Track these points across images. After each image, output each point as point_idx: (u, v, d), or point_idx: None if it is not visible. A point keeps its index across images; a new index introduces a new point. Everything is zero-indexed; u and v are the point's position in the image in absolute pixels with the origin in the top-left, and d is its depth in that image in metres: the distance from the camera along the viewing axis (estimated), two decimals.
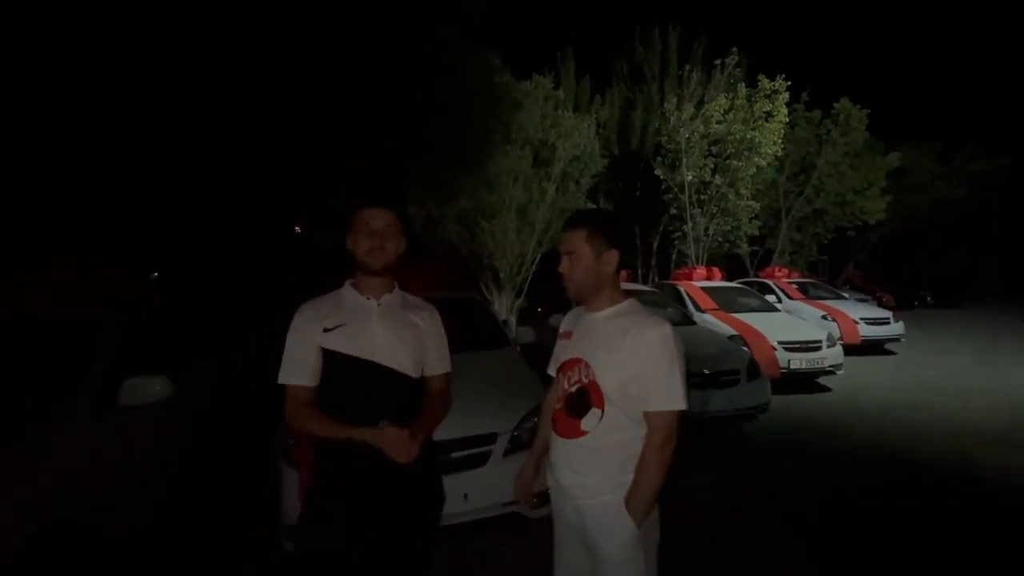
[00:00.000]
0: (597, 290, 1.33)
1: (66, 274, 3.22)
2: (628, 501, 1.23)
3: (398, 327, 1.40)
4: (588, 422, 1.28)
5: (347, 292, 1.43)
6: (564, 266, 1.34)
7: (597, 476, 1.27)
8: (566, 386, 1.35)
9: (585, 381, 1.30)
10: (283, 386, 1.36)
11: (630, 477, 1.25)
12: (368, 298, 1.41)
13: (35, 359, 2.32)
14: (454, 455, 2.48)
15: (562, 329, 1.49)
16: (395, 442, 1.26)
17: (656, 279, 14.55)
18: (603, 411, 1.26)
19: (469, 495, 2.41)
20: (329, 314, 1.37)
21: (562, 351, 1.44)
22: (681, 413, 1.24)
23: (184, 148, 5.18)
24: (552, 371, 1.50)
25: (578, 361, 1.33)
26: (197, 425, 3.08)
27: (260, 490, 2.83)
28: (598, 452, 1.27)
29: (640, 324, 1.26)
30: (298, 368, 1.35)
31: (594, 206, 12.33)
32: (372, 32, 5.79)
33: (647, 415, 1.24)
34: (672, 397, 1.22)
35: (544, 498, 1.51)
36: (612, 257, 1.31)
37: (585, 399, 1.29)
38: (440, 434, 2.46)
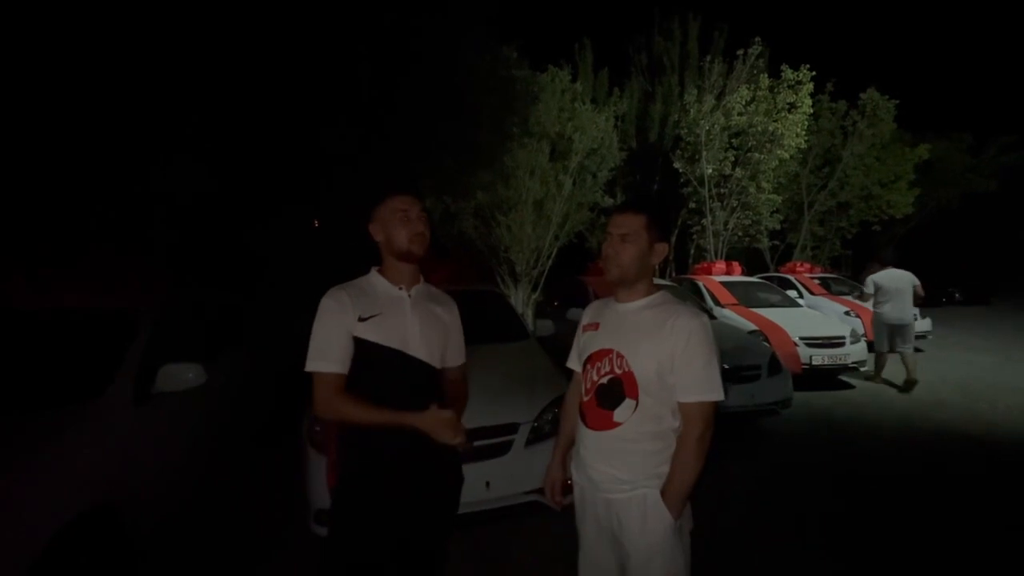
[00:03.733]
0: (638, 279, 1.32)
1: (104, 264, 3.33)
2: (665, 493, 1.22)
3: (428, 319, 1.41)
4: (621, 413, 1.26)
5: (377, 281, 1.41)
6: (613, 247, 1.30)
7: (631, 469, 1.25)
8: (596, 377, 1.33)
9: (618, 372, 1.28)
10: (310, 374, 1.32)
11: (665, 469, 1.24)
12: (400, 288, 1.40)
13: (76, 345, 2.42)
14: (477, 444, 2.51)
15: (586, 321, 1.45)
16: (447, 424, 1.27)
17: (674, 273, 14.40)
18: (637, 402, 1.25)
19: (491, 483, 2.45)
20: (363, 303, 1.35)
21: (588, 343, 1.40)
22: (716, 404, 1.22)
23: (200, 144, 5.23)
24: (575, 364, 1.47)
25: (609, 352, 1.31)
26: (228, 411, 3.17)
27: (287, 475, 2.90)
28: (632, 444, 1.25)
29: (678, 314, 1.25)
30: (331, 354, 1.31)
31: (612, 200, 12.22)
32: (383, 29, 5.81)
33: (683, 406, 1.23)
34: (710, 387, 1.21)
35: (567, 488, 1.50)
36: (662, 249, 1.31)
37: (618, 390, 1.27)
38: (464, 423, 2.53)
